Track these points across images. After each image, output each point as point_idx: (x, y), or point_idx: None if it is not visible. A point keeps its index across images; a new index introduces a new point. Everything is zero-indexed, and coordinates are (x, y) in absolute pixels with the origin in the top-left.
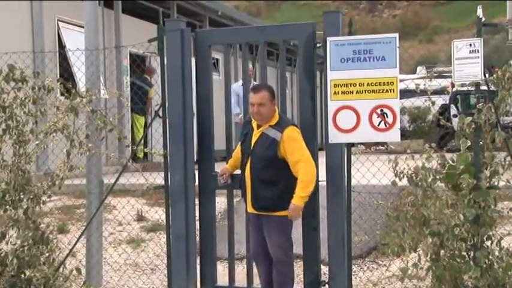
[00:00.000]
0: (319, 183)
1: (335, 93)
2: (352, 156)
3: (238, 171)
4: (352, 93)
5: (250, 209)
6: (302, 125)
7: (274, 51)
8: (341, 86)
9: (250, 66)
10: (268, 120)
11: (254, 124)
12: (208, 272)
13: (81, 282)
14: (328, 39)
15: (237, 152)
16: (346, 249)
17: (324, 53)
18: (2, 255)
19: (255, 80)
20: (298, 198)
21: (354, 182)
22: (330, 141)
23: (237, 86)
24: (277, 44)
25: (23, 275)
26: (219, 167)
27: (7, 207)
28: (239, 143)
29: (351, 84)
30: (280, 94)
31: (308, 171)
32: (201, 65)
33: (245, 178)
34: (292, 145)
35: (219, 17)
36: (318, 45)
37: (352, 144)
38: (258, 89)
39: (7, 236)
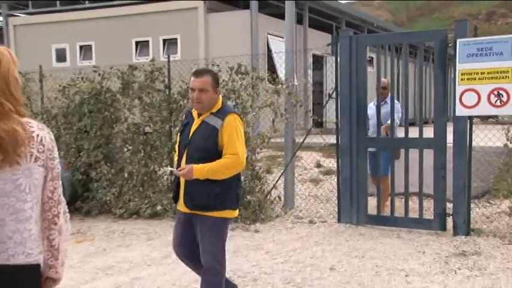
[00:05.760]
0: (448, 145)
1: (462, 79)
2: (473, 126)
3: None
4: (475, 79)
5: (182, 207)
6: (436, 103)
7: (412, 51)
8: (467, 75)
9: (384, 79)
10: (210, 109)
11: (195, 113)
12: (362, 204)
13: (281, 206)
14: (458, 40)
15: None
16: (467, 191)
17: (453, 51)
18: None
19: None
20: (201, 171)
21: (473, 144)
22: (456, 115)
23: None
24: (416, 46)
25: (245, 198)
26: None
27: None
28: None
29: (474, 73)
30: (419, 86)
31: (235, 166)
32: (359, 61)
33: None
34: (232, 134)
35: (374, 28)
36: (449, 45)
37: (472, 117)
38: (200, 73)
39: None
